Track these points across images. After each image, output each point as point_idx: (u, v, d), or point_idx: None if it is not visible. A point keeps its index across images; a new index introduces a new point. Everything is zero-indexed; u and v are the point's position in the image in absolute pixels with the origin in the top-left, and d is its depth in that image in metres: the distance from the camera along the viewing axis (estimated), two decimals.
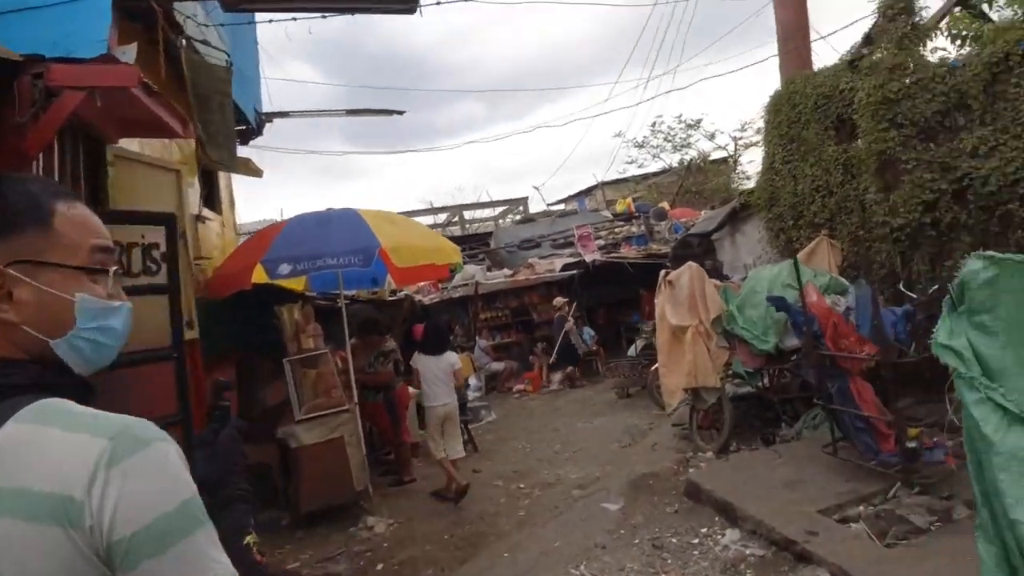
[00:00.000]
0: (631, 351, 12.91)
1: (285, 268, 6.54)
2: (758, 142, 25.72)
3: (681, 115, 25.66)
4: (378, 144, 63.10)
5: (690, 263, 7.92)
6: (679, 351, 7.72)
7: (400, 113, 8.92)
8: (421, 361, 7.20)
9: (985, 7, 8.45)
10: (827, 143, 8.41)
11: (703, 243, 11.68)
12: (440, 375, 7.15)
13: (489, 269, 17.45)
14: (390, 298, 10.81)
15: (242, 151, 8.01)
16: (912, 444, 4.98)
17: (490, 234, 21.38)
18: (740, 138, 25.86)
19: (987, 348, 2.73)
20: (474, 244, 20.72)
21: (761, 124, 26.20)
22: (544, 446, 8.99)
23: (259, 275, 6.22)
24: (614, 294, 16.63)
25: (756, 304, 7.51)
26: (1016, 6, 7.53)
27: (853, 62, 8.38)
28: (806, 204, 8.71)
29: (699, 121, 25.80)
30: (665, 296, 8.10)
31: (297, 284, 8.27)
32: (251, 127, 8.68)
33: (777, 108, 9.24)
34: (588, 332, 15.21)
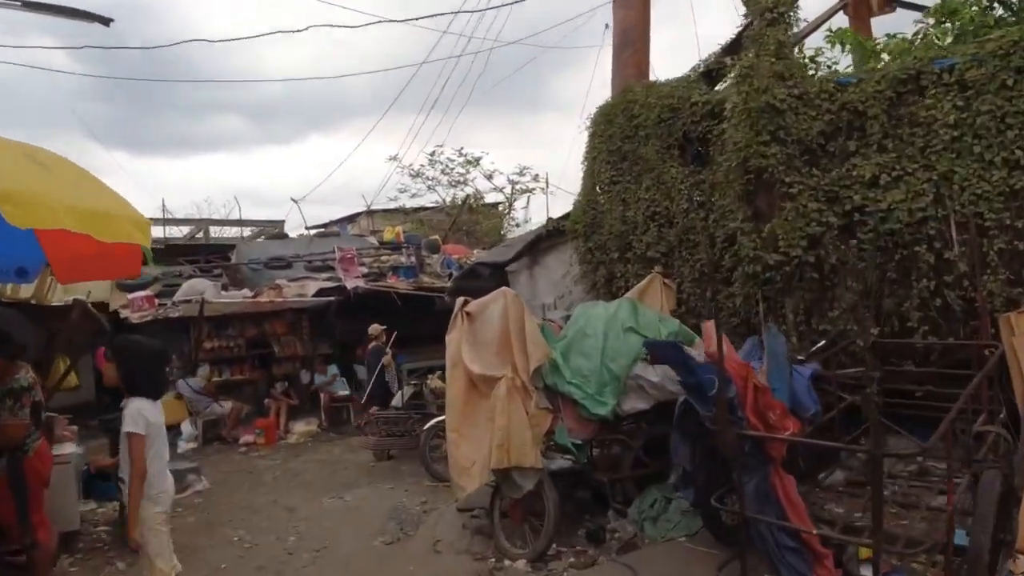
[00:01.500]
0: (395, 400, 10.47)
1: None
2: (535, 188, 25.31)
3: (462, 148, 24.16)
4: (125, 142, 53.69)
5: (505, 288, 5.82)
6: (481, 412, 5.50)
7: (105, 22, 5.84)
8: (148, 411, 3.98)
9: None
10: (670, 163, 6.93)
11: (495, 274, 9.74)
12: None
13: (226, 288, 14.02)
14: (56, 304, 7.30)
15: None
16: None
17: (232, 247, 17.73)
18: (517, 182, 25.09)
19: None
20: (211, 256, 16.98)
21: (539, 172, 25.81)
22: (272, 539, 6.16)
23: None
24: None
25: (587, 352, 5.60)
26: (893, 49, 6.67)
27: (711, 72, 7.09)
28: (637, 234, 7.12)
29: (479, 159, 24.62)
30: (462, 333, 5.86)
31: None
32: None
33: (609, 119, 7.66)
34: (332, 370, 12.71)
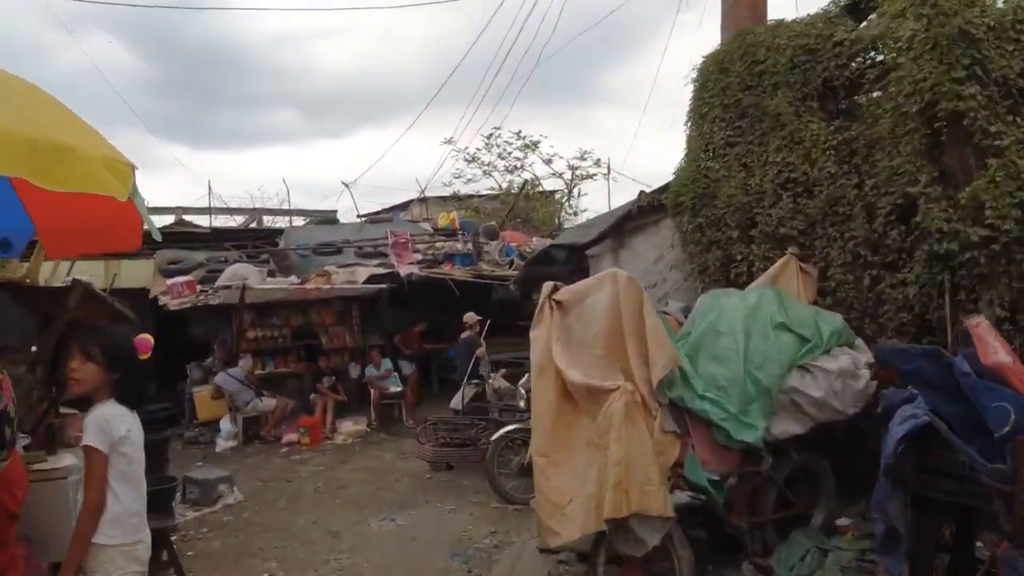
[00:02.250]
0: (455, 401, 9.27)
1: None
2: (595, 174, 23.82)
3: (520, 131, 22.81)
4: (184, 137, 53.79)
5: (616, 270, 4.47)
6: (578, 431, 4.17)
7: None
8: (126, 421, 2.85)
9: None
10: (807, 117, 5.52)
11: (573, 259, 8.44)
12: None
13: (272, 274, 13.05)
14: (57, 285, 6.27)
15: None
16: None
17: (280, 231, 16.86)
18: (578, 167, 23.68)
19: None
20: (259, 242, 16.12)
21: (600, 157, 24.26)
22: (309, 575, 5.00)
23: None
24: (429, 320, 13.05)
25: (723, 356, 4.25)
26: None
27: (857, 4, 5.67)
28: (764, 206, 5.71)
29: (537, 143, 23.26)
30: (552, 327, 4.49)
31: None
32: None
33: (723, 68, 6.26)
34: (386, 364, 11.60)
